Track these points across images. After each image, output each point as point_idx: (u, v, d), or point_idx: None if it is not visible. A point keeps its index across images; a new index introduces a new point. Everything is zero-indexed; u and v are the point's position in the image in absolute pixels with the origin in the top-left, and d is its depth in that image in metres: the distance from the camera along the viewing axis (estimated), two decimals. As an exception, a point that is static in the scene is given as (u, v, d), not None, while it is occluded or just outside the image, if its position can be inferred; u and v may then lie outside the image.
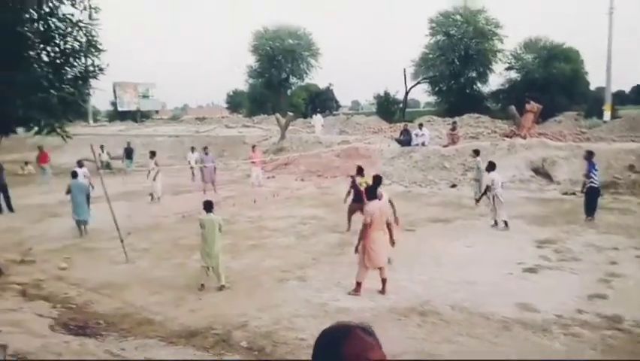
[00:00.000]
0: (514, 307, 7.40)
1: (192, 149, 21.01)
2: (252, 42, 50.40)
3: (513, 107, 24.03)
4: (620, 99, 41.42)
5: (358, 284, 8.05)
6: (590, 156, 12.88)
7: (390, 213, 8.21)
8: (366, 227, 7.88)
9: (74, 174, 12.64)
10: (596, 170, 12.69)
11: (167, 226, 12.86)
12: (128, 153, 23.34)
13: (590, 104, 35.39)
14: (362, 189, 11.10)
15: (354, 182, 11.93)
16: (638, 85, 47.51)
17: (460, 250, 10.33)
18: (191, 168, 19.13)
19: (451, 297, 7.85)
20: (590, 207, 12.53)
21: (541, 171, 18.26)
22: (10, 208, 15.20)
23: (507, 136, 23.01)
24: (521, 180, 17.74)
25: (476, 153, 15.23)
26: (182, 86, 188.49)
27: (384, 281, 8.11)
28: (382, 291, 8.09)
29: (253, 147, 20.76)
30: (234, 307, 7.73)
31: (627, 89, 48.90)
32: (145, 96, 53.00)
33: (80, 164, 14.74)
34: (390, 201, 9.14)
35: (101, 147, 22.53)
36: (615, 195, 15.50)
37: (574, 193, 15.94)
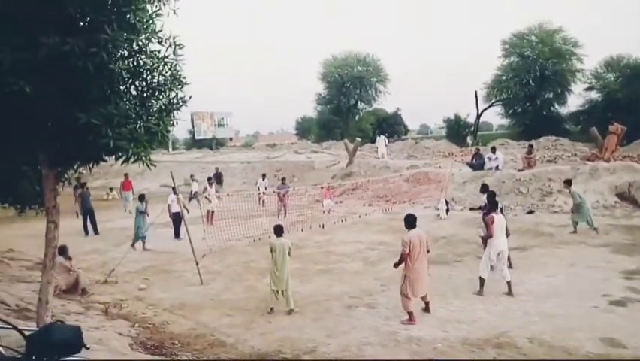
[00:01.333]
0: (600, 343, 6.88)
1: (263, 176, 21.60)
2: (320, 70, 51.56)
3: (594, 129, 22.77)
4: None
5: (409, 314, 7.95)
6: None
7: (428, 241, 8.14)
8: (403, 257, 7.88)
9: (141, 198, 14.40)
10: None
11: (239, 249, 13.20)
12: (218, 178, 24.03)
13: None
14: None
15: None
16: None
17: (539, 280, 9.79)
18: (260, 194, 19.63)
19: (529, 329, 7.44)
20: None
21: (627, 197, 17.06)
22: (96, 231, 16.26)
23: (588, 160, 21.76)
24: (605, 206, 16.67)
25: (568, 183, 14.51)
26: (254, 113, 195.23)
27: (427, 304, 8.26)
28: (427, 310, 8.22)
29: (328, 187, 20.54)
30: (303, 331, 7.75)
31: None
32: (220, 125, 55.27)
33: (174, 191, 15.81)
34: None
35: (191, 176, 23.28)
36: None
37: (666, 220, 14.76)
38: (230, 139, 62.95)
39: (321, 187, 20.95)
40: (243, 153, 42.29)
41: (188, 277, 10.95)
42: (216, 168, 25.63)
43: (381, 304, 8.88)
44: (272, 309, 8.59)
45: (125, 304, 9.35)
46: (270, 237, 9.49)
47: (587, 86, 40.79)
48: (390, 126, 51.47)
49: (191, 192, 20.66)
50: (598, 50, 64.33)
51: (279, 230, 8.81)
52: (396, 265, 8.11)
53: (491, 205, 9.50)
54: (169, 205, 14.60)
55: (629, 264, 10.59)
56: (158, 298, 9.67)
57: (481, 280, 9.09)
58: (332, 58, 51.34)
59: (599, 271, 10.32)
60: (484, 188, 12.52)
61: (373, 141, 40.81)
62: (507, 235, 9.26)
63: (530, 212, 17.27)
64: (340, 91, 50.14)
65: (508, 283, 9.05)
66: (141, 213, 13.92)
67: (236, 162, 33.37)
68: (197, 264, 10.54)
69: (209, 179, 19.67)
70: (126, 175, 21.39)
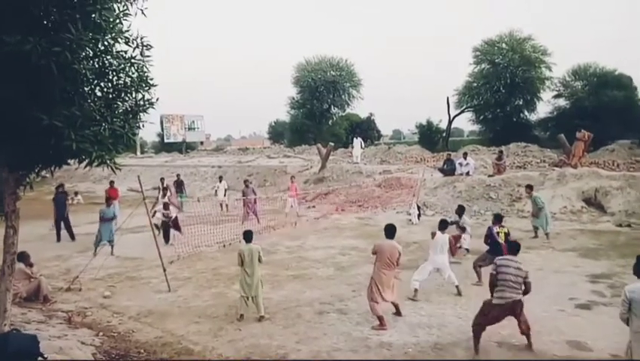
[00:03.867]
0: (566, 345, 7.00)
1: (220, 178, 21.05)
2: (293, 74, 51.49)
3: (562, 136, 23.34)
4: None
5: (380, 318, 7.95)
6: None
7: (400, 256, 8.14)
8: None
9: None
10: None
11: (209, 255, 12.99)
12: (179, 186, 23.63)
13: (645, 132, 33.86)
14: (501, 240, 9.79)
15: (490, 230, 10.24)
16: (696, 111, 45.19)
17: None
18: (220, 199, 19.28)
19: (498, 334, 7.49)
20: None
21: (594, 202, 17.49)
22: (72, 237, 15.75)
23: (557, 165, 22.29)
24: (572, 212, 17.04)
25: (530, 188, 14.79)
26: (225, 117, 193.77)
27: (396, 306, 8.30)
28: (398, 313, 8.30)
29: (292, 178, 20.84)
30: (273, 338, 7.64)
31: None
32: (191, 128, 54.61)
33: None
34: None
35: (162, 179, 22.64)
36: (675, 228, 14.61)
37: (629, 225, 15.17)
38: (201, 143, 62.29)
39: (291, 177, 20.87)
40: (214, 157, 41.84)
41: (155, 284, 10.70)
42: (177, 175, 25.04)
43: (352, 309, 8.83)
44: (242, 316, 8.44)
45: (88, 313, 9.07)
46: (240, 242, 9.36)
47: (555, 93, 41.76)
48: (364, 131, 51.64)
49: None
50: (566, 59, 66.15)
51: (248, 236, 8.68)
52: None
53: (439, 225, 9.80)
54: (155, 211, 14.35)
55: (595, 268, 10.83)
56: (124, 305, 9.41)
57: (415, 291, 9.30)
58: (305, 62, 51.30)
59: (565, 275, 10.51)
60: (460, 210, 12.77)
61: (346, 146, 40.96)
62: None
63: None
64: (313, 95, 50.10)
65: (457, 286, 9.46)
66: (108, 219, 13.57)
67: (207, 166, 32.99)
68: (164, 270, 10.30)
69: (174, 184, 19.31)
70: (111, 183, 20.50)
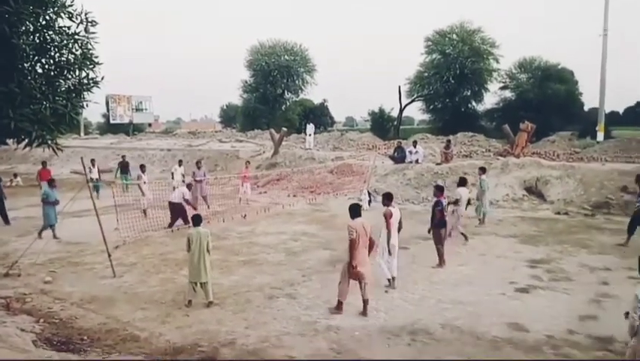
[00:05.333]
0: (506, 327, 7.32)
1: (180, 162, 20.70)
2: (247, 57, 50.76)
3: (507, 126, 24.22)
4: (614, 120, 41.85)
5: (340, 303, 7.96)
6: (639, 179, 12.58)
7: (371, 230, 8.02)
8: (353, 242, 7.75)
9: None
10: None
11: (156, 240, 12.71)
12: (124, 167, 22.89)
13: (583, 124, 35.70)
14: (447, 211, 10.57)
15: (439, 204, 10.41)
16: (631, 106, 47.99)
17: (452, 269, 10.24)
18: (179, 181, 18.78)
19: (442, 316, 7.76)
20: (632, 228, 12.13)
21: (535, 191, 18.29)
22: (6, 221, 14.97)
23: (501, 155, 23.14)
24: (514, 199, 17.75)
25: (482, 170, 15.20)
26: (175, 99, 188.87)
27: (366, 302, 7.91)
28: (364, 313, 7.86)
29: (247, 163, 20.65)
30: (222, 324, 7.60)
31: (621, 110, 49.41)
32: (138, 109, 52.92)
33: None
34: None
35: (92, 161, 21.82)
36: (608, 216, 15.52)
37: (567, 213, 15.98)
38: (150, 125, 60.56)
39: (246, 162, 20.65)
40: (163, 139, 40.76)
41: (99, 269, 10.38)
42: (123, 157, 24.25)
43: (302, 294, 8.90)
44: (190, 302, 8.33)
45: (28, 299, 8.72)
46: (189, 227, 9.21)
47: (501, 85, 43.24)
48: (317, 117, 51.79)
49: (91, 178, 19.45)
50: (512, 51, 68.35)
51: (197, 220, 8.54)
52: (350, 252, 7.84)
53: (387, 199, 9.24)
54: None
55: (534, 254, 11.35)
56: (66, 291, 9.09)
57: (393, 279, 9.11)
58: (259, 45, 50.66)
59: (507, 260, 10.98)
60: (462, 181, 12.93)
61: (300, 132, 40.93)
62: (400, 229, 9.32)
63: (447, 203, 18.02)
64: (267, 79, 49.59)
65: (394, 278, 9.11)
66: (51, 202, 13.02)
67: (155, 149, 32.13)
68: (109, 256, 10.00)
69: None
70: (44, 163, 19.71)
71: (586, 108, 42.55)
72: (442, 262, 10.36)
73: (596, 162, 20.68)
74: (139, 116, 53.60)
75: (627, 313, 5.42)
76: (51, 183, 13.79)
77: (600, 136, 29.19)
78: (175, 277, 9.82)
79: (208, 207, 16.86)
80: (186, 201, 14.08)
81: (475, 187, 15.64)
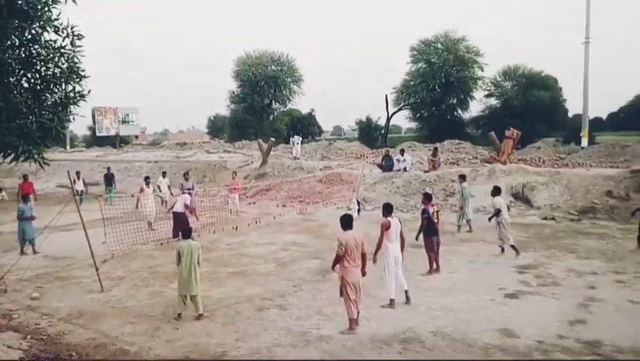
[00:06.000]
0: (496, 334, 7.35)
1: (164, 174, 20.61)
2: (234, 68, 50.82)
3: (493, 134, 24.46)
4: (598, 126, 42.48)
5: (351, 321, 7.63)
6: None
7: (364, 242, 7.69)
8: (339, 258, 7.57)
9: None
10: None
11: (144, 254, 12.60)
12: (109, 180, 22.79)
13: (568, 130, 36.21)
14: (435, 219, 10.48)
15: (425, 212, 10.56)
16: (614, 112, 48.77)
17: (443, 276, 10.29)
18: (167, 193, 18.64)
19: (433, 324, 7.78)
20: None
21: (521, 197, 18.45)
22: None
23: (487, 162, 23.33)
24: (501, 206, 17.87)
25: (463, 178, 15.34)
26: (162, 110, 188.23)
27: (357, 314, 7.73)
28: (356, 323, 7.69)
29: (234, 173, 20.61)
30: (212, 336, 7.54)
31: (604, 116, 50.19)
32: (125, 121, 52.63)
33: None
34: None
35: (77, 173, 21.67)
36: (593, 221, 15.70)
37: (553, 218, 16.14)
38: (136, 137, 60.22)
39: (233, 173, 20.57)
40: (150, 151, 40.56)
41: (87, 283, 10.27)
42: (107, 168, 24.12)
43: (293, 304, 8.87)
44: (179, 315, 8.26)
45: (15, 315, 8.61)
46: (178, 240, 9.15)
47: (487, 93, 43.77)
48: (305, 127, 51.95)
49: (77, 191, 19.29)
50: (497, 60, 69.24)
51: (186, 233, 8.50)
52: (333, 267, 7.82)
53: (385, 210, 9.03)
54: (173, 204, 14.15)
55: (522, 259, 11.44)
56: (54, 307, 8.98)
57: (391, 301, 8.62)
58: (246, 56, 50.75)
59: (496, 266, 11.05)
60: (497, 190, 12.47)
61: (287, 142, 40.99)
62: (402, 242, 8.90)
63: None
64: (254, 90, 49.65)
65: (406, 292, 8.76)
66: (27, 218, 12.91)
67: (142, 161, 31.89)
68: (97, 270, 9.89)
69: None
70: (25, 177, 19.51)
71: (570, 115, 43.21)
72: (431, 269, 10.38)
73: (581, 168, 20.93)
74: (125, 128, 53.33)
75: None
76: (25, 198, 13.66)
77: (584, 142, 29.62)
78: (164, 291, 9.74)
79: (197, 219, 16.74)
80: (187, 207, 14.13)
81: (457, 195, 15.70)
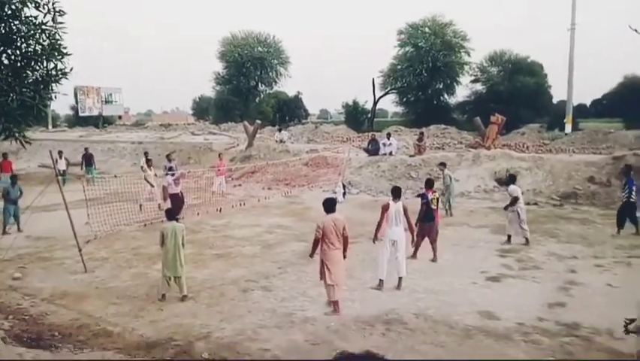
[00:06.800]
0: (477, 316, 7.48)
1: (146, 154, 20.40)
2: (219, 48, 50.12)
3: (478, 119, 24.59)
4: (581, 112, 42.85)
5: (334, 303, 7.71)
6: (628, 170, 12.95)
7: (345, 226, 7.70)
8: (317, 241, 7.63)
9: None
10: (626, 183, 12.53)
11: (128, 235, 12.52)
12: (88, 160, 22.47)
13: (552, 116, 36.46)
14: (434, 205, 10.39)
15: (424, 197, 10.52)
16: (597, 99, 49.23)
17: (426, 259, 10.38)
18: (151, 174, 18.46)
19: (415, 306, 7.89)
20: (621, 220, 12.35)
21: (505, 182, 18.63)
22: None
23: (472, 147, 23.49)
24: (485, 190, 18.07)
25: (443, 165, 15.45)
26: (146, 91, 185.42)
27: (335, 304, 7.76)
28: (335, 310, 7.71)
29: (220, 155, 20.47)
30: (197, 317, 7.56)
31: (588, 102, 50.64)
32: (108, 101, 51.76)
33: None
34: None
35: (59, 152, 21.34)
36: (575, 206, 15.96)
37: (536, 203, 16.36)
38: (120, 117, 59.23)
39: (219, 154, 20.41)
40: (133, 132, 40.01)
41: (69, 264, 10.19)
42: (86, 149, 23.68)
43: (277, 286, 8.91)
44: (163, 296, 8.26)
45: (-4, 296, 8.50)
46: (162, 221, 9.10)
47: (473, 78, 43.76)
48: (291, 110, 51.56)
49: (59, 171, 18.99)
50: (483, 45, 69.24)
51: (171, 213, 8.46)
52: (312, 251, 7.84)
53: (392, 193, 9.01)
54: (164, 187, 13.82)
55: (505, 243, 11.59)
56: (36, 287, 8.91)
57: (380, 282, 8.74)
58: (232, 36, 50.00)
59: (478, 250, 11.21)
60: (513, 178, 12.61)
61: (274, 124, 40.73)
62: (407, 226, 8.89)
63: (419, 195, 18.25)
64: (240, 71, 49.03)
65: (400, 278, 8.76)
66: (9, 199, 12.79)
67: (126, 141, 31.46)
68: (80, 250, 9.82)
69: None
70: (4, 155, 19.18)
71: (554, 101, 43.44)
72: (415, 253, 10.39)
73: (564, 154, 21.20)
74: (109, 108, 52.41)
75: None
76: (13, 179, 13.49)
77: (568, 128, 29.89)
78: (148, 272, 9.72)
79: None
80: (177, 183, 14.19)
81: (440, 182, 15.77)
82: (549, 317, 7.44)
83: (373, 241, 8.92)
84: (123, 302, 8.19)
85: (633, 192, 12.25)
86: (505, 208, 12.14)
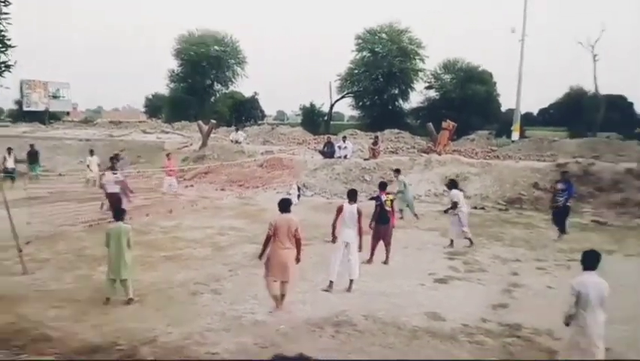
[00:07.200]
0: (424, 317, 7.63)
1: (91, 152, 19.75)
2: (175, 46, 49.16)
3: (430, 125, 25.19)
4: (529, 121, 44.60)
5: (275, 297, 7.82)
6: (564, 175, 13.53)
7: (298, 228, 7.76)
8: (269, 238, 7.71)
9: None
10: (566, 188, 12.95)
11: (72, 235, 12.06)
12: (33, 157, 21.50)
13: (500, 124, 37.83)
14: (388, 207, 10.51)
15: (378, 199, 10.60)
16: (544, 108, 51.45)
17: (377, 262, 10.51)
18: (97, 173, 17.85)
19: (365, 308, 7.95)
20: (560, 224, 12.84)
21: (447, 186, 19.15)
22: None
23: (424, 152, 24.03)
24: (436, 195, 18.50)
25: (397, 172, 15.71)
26: (96, 87, 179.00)
27: (282, 297, 7.84)
28: (279, 301, 7.83)
29: (168, 155, 19.94)
30: (143, 321, 7.35)
31: (535, 111, 52.81)
32: (55, 96, 49.77)
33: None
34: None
35: (8, 149, 20.36)
36: (520, 211, 16.58)
37: (483, 208, 16.88)
38: (68, 113, 57.06)
39: (167, 154, 19.83)
40: (82, 129, 38.60)
41: (8, 266, 9.67)
42: (31, 145, 22.72)
43: (228, 289, 8.79)
44: (108, 299, 7.99)
45: None
46: (109, 222, 8.82)
47: (427, 85, 44.86)
48: (248, 110, 51.17)
49: (6, 168, 18.16)
50: (437, 53, 70.78)
51: (118, 214, 8.20)
52: (262, 252, 7.87)
53: (348, 195, 9.14)
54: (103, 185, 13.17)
55: (448, 247, 11.88)
56: (-30, 290, 8.41)
57: (330, 283, 8.79)
58: (188, 34, 49.20)
59: (427, 252, 11.46)
60: (454, 183, 12.70)
61: (229, 124, 40.26)
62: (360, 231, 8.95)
63: (373, 198, 18.48)
64: (195, 70, 48.25)
65: (351, 281, 8.79)
66: None
67: (73, 139, 30.30)
68: (20, 251, 9.35)
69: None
70: None
71: (503, 109, 45.09)
72: (371, 257, 10.46)
73: (511, 160, 21.99)
74: (56, 103, 50.42)
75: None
76: None
77: (515, 136, 31.05)
78: (92, 274, 9.37)
79: (129, 200, 16.15)
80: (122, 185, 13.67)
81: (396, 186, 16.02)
82: (493, 318, 7.68)
83: (333, 241, 9.08)
84: (65, 306, 7.86)
85: (570, 198, 12.87)
86: (446, 212, 12.51)
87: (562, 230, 12.81)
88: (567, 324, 5.62)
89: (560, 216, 12.89)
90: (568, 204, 12.87)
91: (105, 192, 13.64)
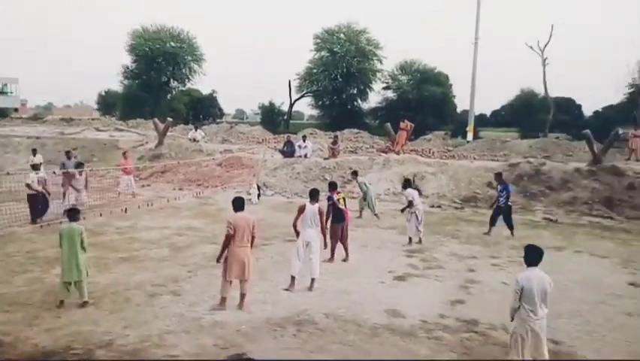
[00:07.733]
0: (384, 314, 7.74)
1: (34, 151, 19.00)
2: (128, 41, 47.90)
3: (388, 125, 25.55)
4: (482, 122, 45.95)
5: (222, 299, 7.82)
6: (498, 177, 13.90)
7: (255, 225, 7.87)
8: (229, 238, 7.67)
9: None
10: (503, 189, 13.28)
11: (22, 237, 11.57)
12: None
13: (456, 125, 38.86)
14: (342, 206, 10.61)
15: (330, 199, 10.67)
16: (496, 110, 53.11)
17: (337, 261, 10.58)
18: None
19: (326, 306, 8.00)
20: (508, 223, 13.18)
21: (402, 186, 19.52)
22: None
23: (383, 152, 24.35)
24: (394, 193, 18.78)
25: (355, 174, 15.89)
26: (46, 82, 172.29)
27: (242, 296, 7.84)
28: (240, 306, 7.79)
29: (124, 153, 19.42)
30: (98, 324, 7.13)
31: (488, 112, 54.44)
32: (2, 92, 47.61)
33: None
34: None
35: None
36: (475, 209, 17.05)
37: (439, 206, 17.28)
38: (16, 110, 54.65)
39: (124, 153, 19.25)
40: (31, 126, 37.03)
41: (-48, 269, 9.21)
42: None
43: (187, 290, 8.65)
44: (62, 302, 7.72)
45: None
46: (61, 223, 8.51)
47: (384, 85, 45.48)
48: (206, 108, 50.48)
49: None
50: (395, 54, 71.88)
51: (71, 214, 7.93)
52: (221, 253, 7.79)
53: (309, 195, 9.20)
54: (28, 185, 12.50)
55: (407, 245, 12.10)
56: None
57: (292, 278, 8.78)
58: (142, 29, 48.00)
59: (387, 250, 11.62)
60: (408, 183, 13.04)
61: (187, 122, 39.59)
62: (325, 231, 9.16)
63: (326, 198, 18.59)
64: (151, 66, 47.15)
65: (313, 280, 8.82)
66: None
67: (21, 136, 29.05)
68: (-35, 254, 8.92)
69: None
70: None
71: (458, 110, 46.29)
72: (332, 257, 10.51)
73: (466, 160, 22.61)
74: (3, 100, 48.37)
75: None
76: None
77: (470, 136, 31.97)
78: (45, 277, 9.03)
79: (49, 194, 15.38)
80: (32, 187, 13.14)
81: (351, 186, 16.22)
82: (450, 313, 7.87)
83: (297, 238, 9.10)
84: (15, 310, 7.54)
85: (510, 197, 13.32)
86: (402, 211, 12.74)
87: (510, 227, 13.25)
88: (513, 318, 5.84)
89: (505, 215, 13.32)
90: (509, 203, 13.33)
91: (29, 191, 13.05)
